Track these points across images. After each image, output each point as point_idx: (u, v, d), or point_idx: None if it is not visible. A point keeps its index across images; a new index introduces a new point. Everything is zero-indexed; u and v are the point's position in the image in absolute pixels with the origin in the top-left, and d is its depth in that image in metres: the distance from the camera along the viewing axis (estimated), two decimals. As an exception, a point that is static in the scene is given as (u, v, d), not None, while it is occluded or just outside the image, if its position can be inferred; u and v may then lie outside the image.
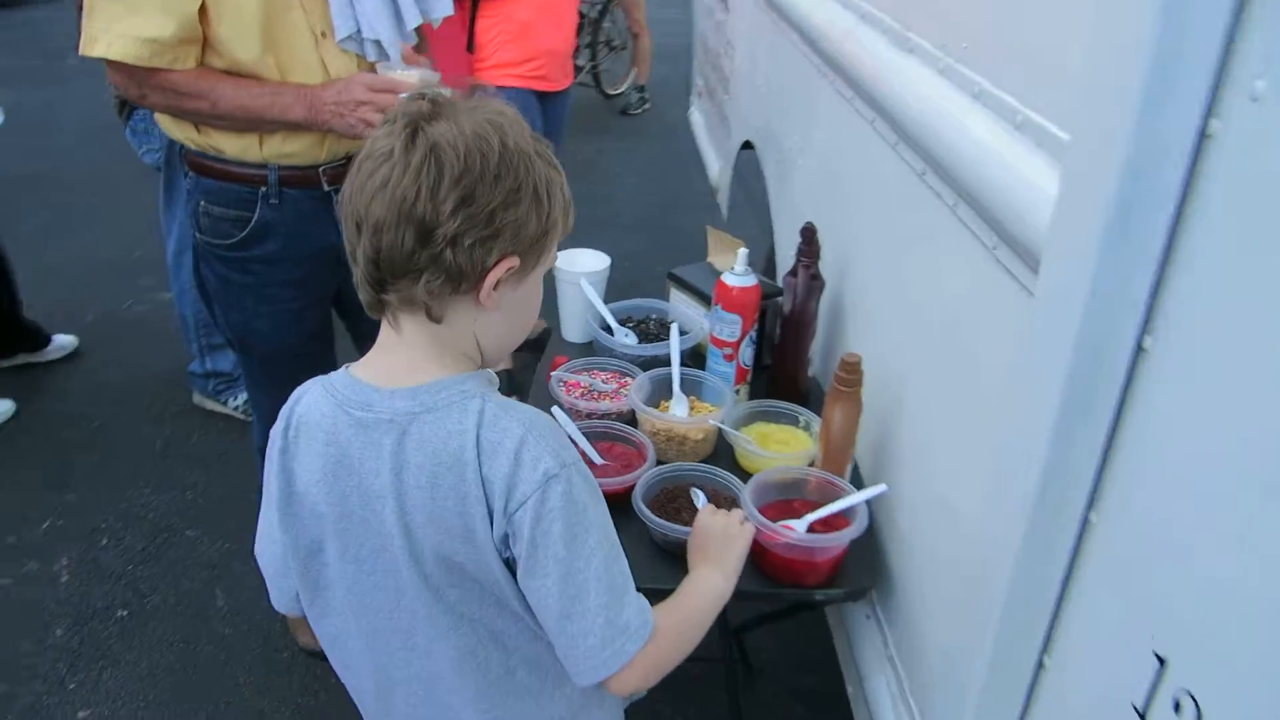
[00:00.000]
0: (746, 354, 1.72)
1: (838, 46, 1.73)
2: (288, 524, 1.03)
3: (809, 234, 1.65)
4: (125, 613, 2.39)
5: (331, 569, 1.04)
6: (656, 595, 1.11)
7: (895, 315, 1.48)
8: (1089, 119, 0.80)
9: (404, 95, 1.12)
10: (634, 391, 1.65)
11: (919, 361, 1.36)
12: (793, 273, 1.67)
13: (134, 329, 3.69)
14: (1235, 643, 0.67)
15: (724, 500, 1.47)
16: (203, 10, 1.59)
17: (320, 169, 1.79)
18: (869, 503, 1.39)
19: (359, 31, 1.76)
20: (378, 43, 1.79)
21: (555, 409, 1.58)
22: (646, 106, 6.82)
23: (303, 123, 1.68)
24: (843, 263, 1.71)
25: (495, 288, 0.93)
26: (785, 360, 1.74)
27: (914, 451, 1.38)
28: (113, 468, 2.92)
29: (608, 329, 1.91)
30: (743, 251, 1.69)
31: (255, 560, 1.14)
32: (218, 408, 3.18)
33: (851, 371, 1.42)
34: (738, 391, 1.74)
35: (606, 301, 1.96)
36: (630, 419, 1.67)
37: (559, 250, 1.98)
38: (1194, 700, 0.69)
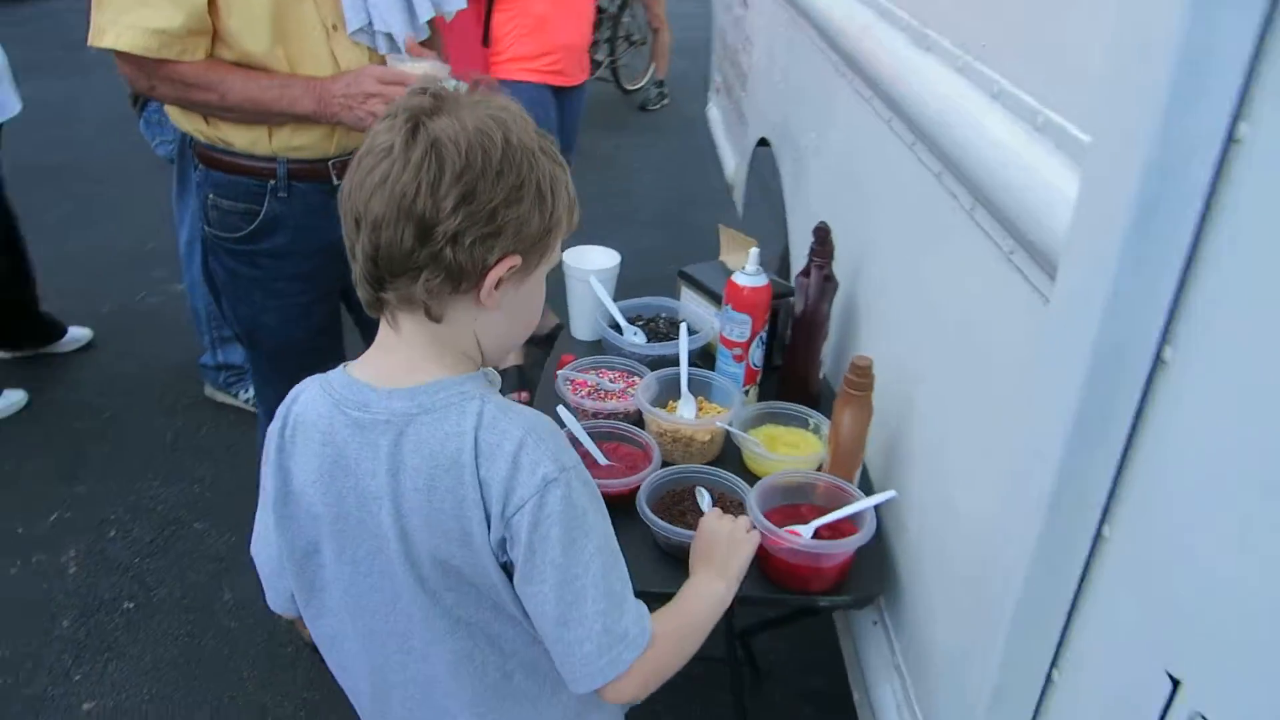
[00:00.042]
0: (756, 355, 1.69)
1: (855, 43, 1.71)
2: (284, 524, 1.01)
3: (822, 234, 1.63)
4: (131, 605, 2.39)
5: (328, 570, 1.03)
6: (659, 600, 1.09)
7: (909, 319, 1.45)
8: (1111, 120, 0.77)
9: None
10: (641, 391, 1.62)
11: (932, 366, 1.34)
12: (805, 273, 1.64)
13: (148, 320, 3.70)
14: (1255, 668, 0.64)
15: (730, 503, 1.45)
16: (212, 2, 1.58)
17: (330, 162, 1.78)
18: (878, 508, 1.36)
19: (371, 24, 1.74)
20: (390, 35, 1.78)
21: (561, 408, 1.56)
22: (665, 102, 6.78)
23: (311, 115, 1.67)
24: (857, 263, 1.68)
25: (496, 287, 0.91)
26: (796, 361, 1.72)
27: (925, 457, 1.36)
28: (123, 459, 2.93)
29: (616, 327, 1.89)
30: (754, 251, 1.67)
31: None
32: (229, 400, 3.18)
33: (862, 375, 1.39)
34: (746, 393, 1.71)
35: (618, 298, 1.94)
36: (637, 419, 1.65)
37: (569, 246, 1.98)
38: (1209, 726, 0.67)
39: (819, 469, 1.50)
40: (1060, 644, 0.92)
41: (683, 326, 1.79)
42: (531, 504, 0.90)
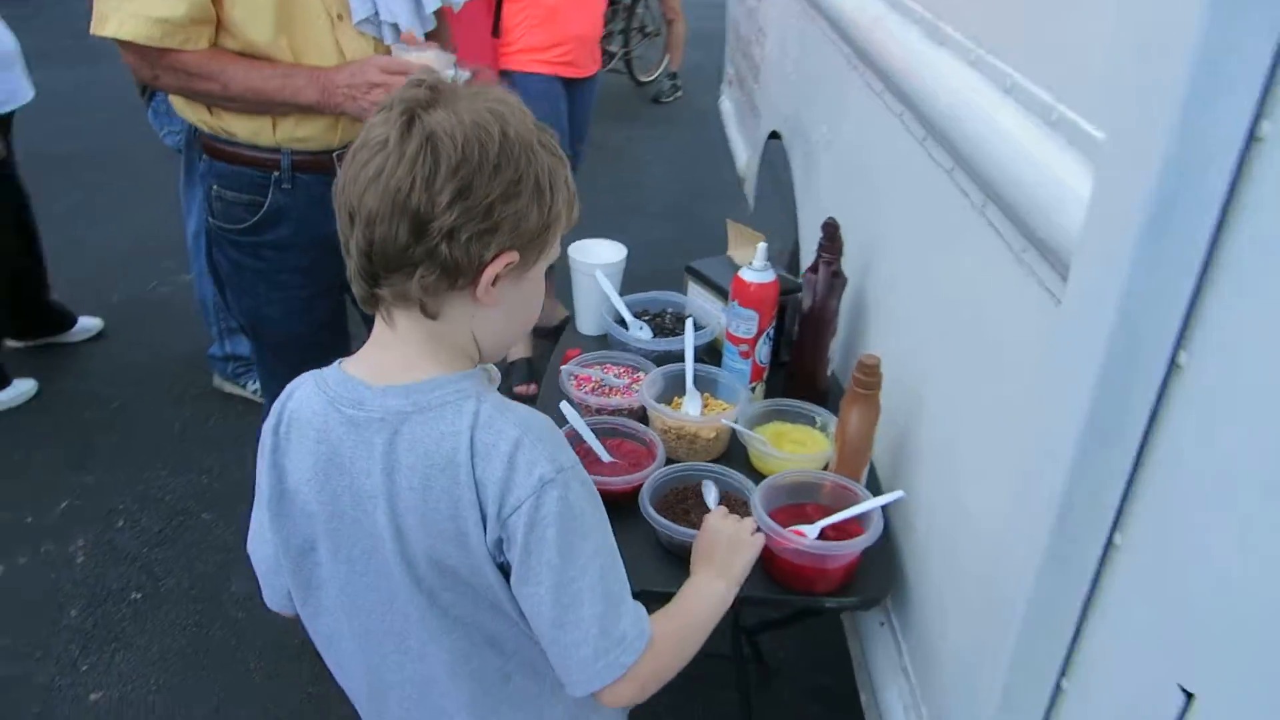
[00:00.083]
0: (763, 351, 1.67)
1: (866, 35, 1.68)
2: (279, 522, 1.00)
3: (831, 230, 1.60)
4: (139, 595, 2.39)
5: (324, 569, 1.02)
6: (661, 599, 1.08)
7: (918, 316, 1.43)
8: (1128, 116, 0.75)
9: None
10: (646, 387, 1.60)
11: (941, 366, 1.31)
12: (813, 269, 1.62)
13: (158, 310, 3.70)
14: (1272, 683, 0.62)
15: (735, 502, 1.43)
16: (216, -9, 1.56)
17: (334, 154, 1.76)
18: (885, 509, 1.34)
19: (376, 14, 1.72)
20: (396, 26, 1.76)
21: (564, 404, 1.54)
22: (678, 94, 6.74)
23: (315, 106, 1.65)
24: (867, 259, 1.66)
25: (494, 284, 0.90)
26: (804, 358, 1.69)
27: (934, 457, 1.34)
28: (132, 449, 2.93)
29: (622, 322, 1.87)
30: (762, 246, 1.64)
31: None
32: (237, 391, 3.18)
33: (870, 373, 1.37)
34: (753, 389, 1.69)
35: (627, 291, 1.92)
36: (642, 415, 1.63)
37: (576, 240, 1.96)
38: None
39: (825, 468, 1.48)
40: (1071, 650, 0.89)
41: (689, 322, 1.77)
42: (528, 505, 0.89)
